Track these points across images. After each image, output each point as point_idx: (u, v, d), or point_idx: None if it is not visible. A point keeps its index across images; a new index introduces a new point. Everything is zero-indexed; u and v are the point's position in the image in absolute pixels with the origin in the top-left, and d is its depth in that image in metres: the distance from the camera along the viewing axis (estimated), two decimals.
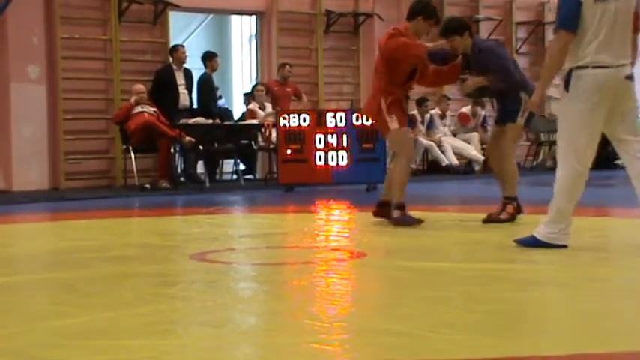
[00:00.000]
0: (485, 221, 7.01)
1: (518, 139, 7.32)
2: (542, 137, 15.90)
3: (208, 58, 13.10)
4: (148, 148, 11.88)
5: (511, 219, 7.01)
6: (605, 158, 15.80)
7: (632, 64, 5.60)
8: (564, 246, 5.51)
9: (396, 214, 7.08)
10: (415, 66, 7.10)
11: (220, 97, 18.92)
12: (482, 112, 15.35)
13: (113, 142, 12.71)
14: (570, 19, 5.44)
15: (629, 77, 5.52)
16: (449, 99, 15.32)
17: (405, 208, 7.14)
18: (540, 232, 5.58)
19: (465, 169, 14.72)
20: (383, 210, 7.31)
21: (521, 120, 7.06)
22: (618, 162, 16.63)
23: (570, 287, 4.43)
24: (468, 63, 7.15)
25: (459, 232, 6.87)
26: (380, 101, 7.09)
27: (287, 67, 13.65)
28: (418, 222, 7.04)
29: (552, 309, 3.96)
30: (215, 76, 13.37)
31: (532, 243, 5.59)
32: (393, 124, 7.06)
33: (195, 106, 12.84)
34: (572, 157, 5.48)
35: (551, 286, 4.44)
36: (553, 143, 14.64)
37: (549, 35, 17.33)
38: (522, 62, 16.99)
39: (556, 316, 3.84)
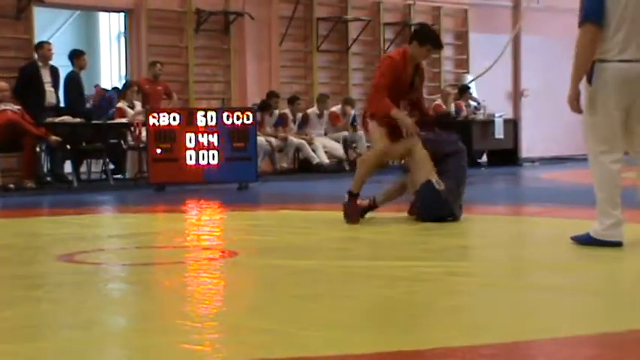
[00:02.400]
0: None
1: None
2: None
3: (75, 56, 12.87)
4: (11, 146, 11.56)
5: None
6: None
7: None
8: (619, 243, 5.33)
9: (346, 197, 7.21)
10: (409, 87, 7.32)
11: (108, 90, 18.59)
12: (352, 112, 15.55)
13: None
14: (596, 11, 5.31)
15: None
16: (328, 97, 15.41)
17: (357, 197, 7.24)
18: (594, 230, 5.41)
19: (335, 167, 14.89)
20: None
21: None
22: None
23: (436, 282, 4.55)
24: None
25: (331, 230, 6.95)
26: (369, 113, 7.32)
27: (158, 65, 13.54)
28: (355, 220, 7.13)
29: (419, 304, 4.06)
30: (83, 75, 13.12)
31: (587, 240, 5.43)
32: (379, 130, 7.24)
33: (62, 104, 12.58)
34: (601, 147, 5.35)
35: (418, 281, 4.55)
36: None
37: None
38: None
39: (422, 311, 3.94)
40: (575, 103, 5.44)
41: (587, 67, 5.38)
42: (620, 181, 5.40)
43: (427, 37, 7.33)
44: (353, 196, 7.25)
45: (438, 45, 7.43)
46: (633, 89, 5.35)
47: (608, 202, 5.37)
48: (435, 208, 7.02)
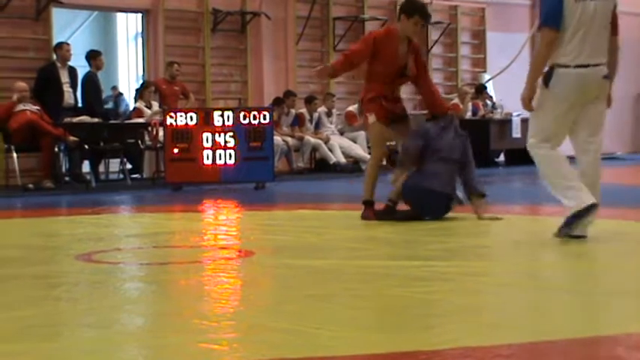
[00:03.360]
0: None
1: None
2: None
3: (92, 56, 12.91)
4: (31, 147, 11.62)
5: None
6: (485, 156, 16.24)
7: (610, 64, 5.68)
8: (591, 207, 5.53)
9: (364, 209, 7.30)
10: (402, 68, 7.27)
11: (121, 94, 18.63)
12: None
13: None
14: (554, 16, 5.54)
15: (606, 77, 5.64)
16: (333, 96, 15.43)
17: (372, 204, 7.30)
18: (566, 216, 5.60)
19: (352, 167, 14.87)
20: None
21: None
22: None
23: (453, 282, 4.55)
24: None
25: (347, 230, 6.95)
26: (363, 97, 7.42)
27: (175, 65, 13.57)
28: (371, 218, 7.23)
29: (436, 304, 4.05)
30: (100, 75, 13.17)
31: (569, 223, 5.60)
32: (371, 118, 7.29)
33: (80, 104, 12.63)
34: (545, 144, 5.69)
35: (435, 281, 4.54)
36: None
37: (432, 35, 17.68)
38: None
39: (439, 310, 3.94)
40: (528, 102, 5.77)
41: (543, 69, 5.66)
42: (564, 159, 5.65)
43: (414, 8, 7.20)
44: (368, 203, 7.27)
45: (425, 16, 7.33)
46: (587, 93, 5.59)
47: (561, 178, 5.62)
48: (426, 203, 7.13)
